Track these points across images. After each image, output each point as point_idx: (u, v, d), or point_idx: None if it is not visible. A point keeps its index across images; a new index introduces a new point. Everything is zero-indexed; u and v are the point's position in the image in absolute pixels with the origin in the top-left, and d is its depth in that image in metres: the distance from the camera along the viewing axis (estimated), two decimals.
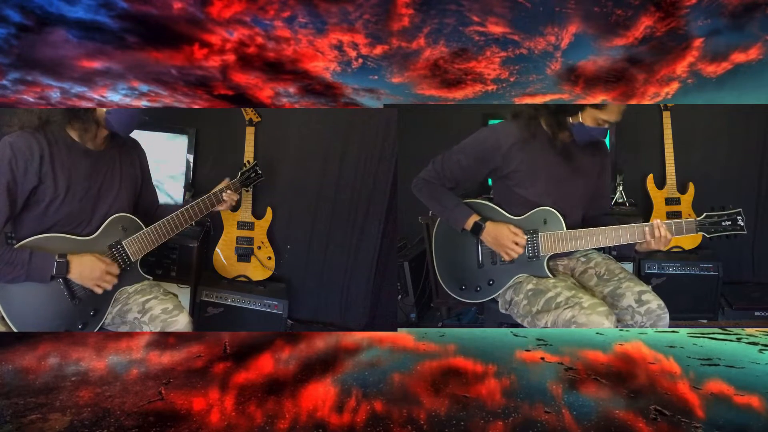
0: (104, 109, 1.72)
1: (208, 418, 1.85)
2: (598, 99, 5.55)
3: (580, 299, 1.69)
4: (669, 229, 1.79)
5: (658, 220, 1.79)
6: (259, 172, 2.32)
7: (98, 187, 1.74)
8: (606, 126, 1.80)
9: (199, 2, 4.70)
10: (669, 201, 2.84)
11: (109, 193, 1.77)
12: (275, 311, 2.61)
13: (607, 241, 1.83)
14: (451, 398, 2.09)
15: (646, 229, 1.78)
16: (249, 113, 2.70)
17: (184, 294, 2.57)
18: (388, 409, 1.96)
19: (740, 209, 1.79)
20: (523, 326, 1.88)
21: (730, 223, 1.78)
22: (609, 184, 2.07)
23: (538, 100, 5.71)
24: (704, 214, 1.80)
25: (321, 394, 2.13)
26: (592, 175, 1.94)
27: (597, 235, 1.83)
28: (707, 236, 1.80)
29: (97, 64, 4.97)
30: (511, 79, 5.57)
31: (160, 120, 2.78)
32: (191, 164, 2.79)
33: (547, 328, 1.75)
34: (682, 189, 2.84)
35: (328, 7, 4.87)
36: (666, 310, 1.73)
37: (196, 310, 2.57)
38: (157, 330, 1.71)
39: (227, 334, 3.13)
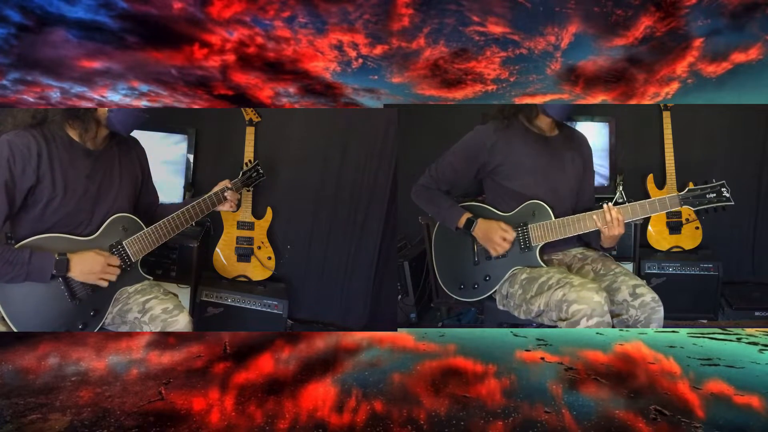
0: (105, 109, 1.72)
1: (208, 418, 1.85)
2: (598, 99, 5.55)
3: (571, 279, 1.74)
4: (625, 211, 1.81)
5: (609, 204, 1.82)
6: (261, 171, 2.32)
7: (98, 186, 1.74)
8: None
9: (199, 2, 4.69)
10: None
11: (109, 193, 1.77)
12: (275, 311, 2.61)
13: (596, 224, 1.86)
14: (451, 398, 2.09)
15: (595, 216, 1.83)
16: (249, 113, 2.70)
17: (184, 294, 2.57)
18: (388, 409, 1.96)
19: (723, 181, 1.79)
20: (521, 323, 1.91)
21: (714, 195, 1.79)
22: (593, 180, 2.13)
23: (538, 100, 5.71)
24: (687, 189, 1.81)
25: (321, 394, 2.13)
26: (578, 167, 2.01)
27: (585, 221, 1.87)
28: (693, 209, 1.80)
29: (97, 64, 4.97)
30: (511, 79, 5.57)
31: (160, 120, 2.78)
32: (191, 164, 2.79)
33: (540, 312, 1.78)
34: (682, 189, 2.83)
35: (328, 7, 4.87)
36: (660, 303, 1.74)
37: (196, 310, 2.57)
38: (158, 330, 1.70)
39: (227, 334, 3.13)
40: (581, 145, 2.06)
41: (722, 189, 1.78)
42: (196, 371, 2.45)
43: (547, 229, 1.91)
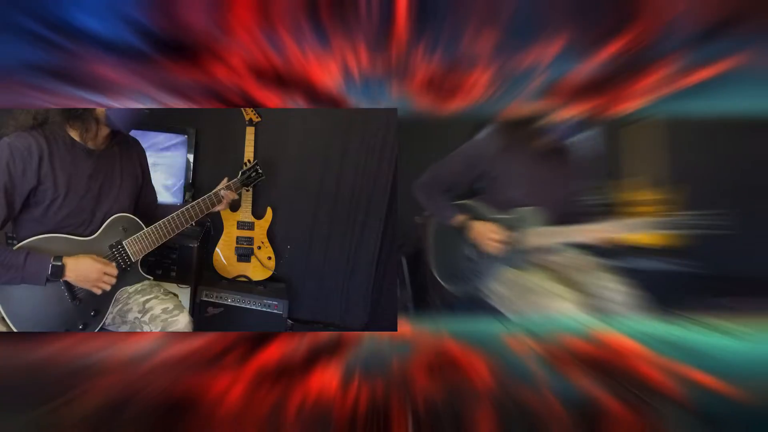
0: (104, 108, 1.70)
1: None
2: (584, 110, 5.60)
3: (551, 284, 1.83)
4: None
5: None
6: (260, 171, 2.33)
7: (99, 186, 1.73)
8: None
9: (215, 18, 4.67)
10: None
11: (110, 193, 1.77)
12: (275, 311, 2.61)
13: (584, 237, 1.91)
14: (446, 386, 2.11)
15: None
16: (249, 113, 2.71)
17: (184, 294, 2.56)
18: (386, 398, 1.97)
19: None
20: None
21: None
22: (579, 185, 2.17)
23: (525, 111, 5.75)
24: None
25: (324, 379, 2.13)
26: (569, 175, 2.07)
27: (575, 230, 1.92)
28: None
29: (114, 77, 4.91)
30: (500, 92, 5.60)
31: (160, 120, 2.78)
32: (191, 164, 2.78)
33: (520, 315, 1.88)
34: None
35: (331, 24, 4.88)
36: (635, 295, 1.84)
37: (196, 310, 2.57)
38: (158, 330, 1.70)
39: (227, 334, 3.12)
40: (570, 152, 2.08)
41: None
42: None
43: (537, 236, 1.96)
